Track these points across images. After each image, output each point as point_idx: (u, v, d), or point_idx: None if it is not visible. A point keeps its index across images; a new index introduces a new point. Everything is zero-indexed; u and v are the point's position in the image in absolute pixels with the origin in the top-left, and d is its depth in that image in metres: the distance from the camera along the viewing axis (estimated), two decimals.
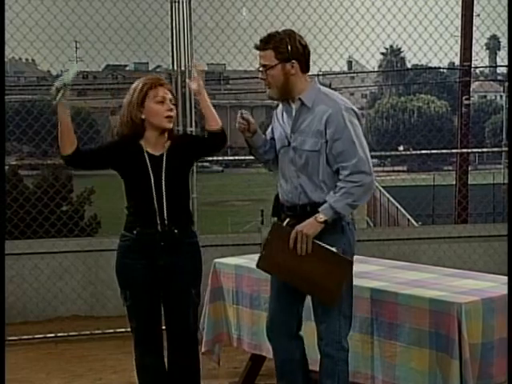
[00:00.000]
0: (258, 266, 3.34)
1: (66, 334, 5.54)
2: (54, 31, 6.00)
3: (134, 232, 3.40)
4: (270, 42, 3.19)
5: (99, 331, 5.62)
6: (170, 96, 3.41)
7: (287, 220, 3.29)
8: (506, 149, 7.30)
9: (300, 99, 3.23)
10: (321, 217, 3.16)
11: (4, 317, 2.91)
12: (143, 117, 3.37)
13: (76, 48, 8.18)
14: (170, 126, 3.41)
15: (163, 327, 3.53)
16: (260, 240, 6.26)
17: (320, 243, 3.17)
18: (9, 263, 5.88)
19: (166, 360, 3.52)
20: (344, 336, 3.29)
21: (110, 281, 6.01)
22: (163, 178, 3.37)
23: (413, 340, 3.28)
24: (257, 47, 3.25)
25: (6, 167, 8.68)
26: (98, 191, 13.19)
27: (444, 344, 3.16)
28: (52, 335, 5.53)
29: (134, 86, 3.42)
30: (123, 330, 5.42)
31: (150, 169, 3.37)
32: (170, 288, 3.44)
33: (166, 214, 3.37)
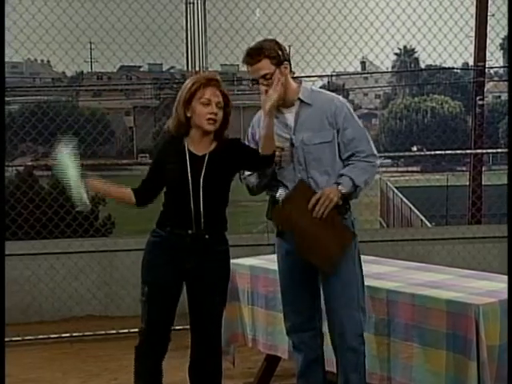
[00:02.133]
0: (270, 217, 3.38)
1: (81, 334, 5.57)
2: (70, 33, 6.04)
3: (166, 230, 3.37)
4: (261, 53, 3.28)
5: (114, 331, 5.64)
6: (218, 99, 3.33)
7: None
8: None
9: (299, 99, 3.34)
10: (341, 188, 3.25)
11: (4, 317, 2.92)
12: (189, 115, 3.35)
13: (91, 49, 8.23)
14: (211, 128, 3.34)
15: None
16: (273, 240, 6.27)
17: (334, 211, 3.24)
18: (25, 263, 5.93)
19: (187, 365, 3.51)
20: (364, 329, 3.35)
21: (125, 281, 6.07)
22: (202, 178, 3.32)
23: (430, 341, 3.27)
24: (248, 62, 3.31)
25: (22, 168, 8.74)
26: None
27: (461, 345, 3.16)
28: (67, 335, 5.56)
29: (186, 82, 3.41)
30: (137, 330, 5.45)
31: (188, 167, 3.32)
32: (195, 293, 3.42)
33: (202, 217, 3.31)
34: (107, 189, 3.45)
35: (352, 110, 3.38)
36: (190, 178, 3.32)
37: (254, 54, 3.29)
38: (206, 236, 3.35)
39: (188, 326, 3.89)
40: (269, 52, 3.27)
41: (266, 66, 3.27)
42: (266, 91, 3.29)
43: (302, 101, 3.35)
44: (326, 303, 3.40)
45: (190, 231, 3.34)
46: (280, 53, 3.30)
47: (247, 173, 3.49)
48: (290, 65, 3.38)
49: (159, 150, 3.52)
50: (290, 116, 3.36)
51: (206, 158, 3.36)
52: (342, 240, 3.28)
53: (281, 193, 3.37)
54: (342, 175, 3.28)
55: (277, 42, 3.36)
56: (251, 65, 3.30)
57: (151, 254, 3.43)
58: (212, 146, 3.39)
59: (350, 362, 3.33)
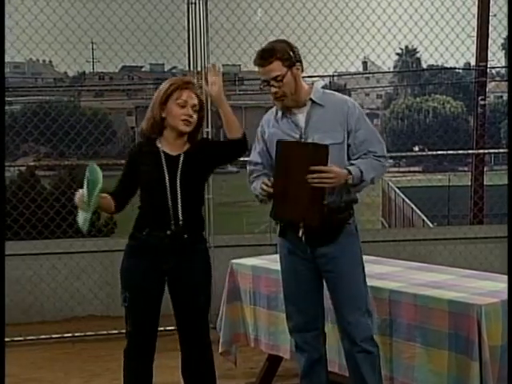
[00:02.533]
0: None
1: (82, 334, 5.58)
2: (72, 33, 6.05)
3: (144, 233, 3.37)
4: (273, 55, 3.27)
5: (116, 331, 5.63)
6: (194, 101, 3.38)
7: (302, 230, 3.31)
8: None
9: (311, 99, 3.33)
10: (349, 178, 3.22)
11: (4, 317, 2.93)
12: (164, 115, 3.39)
13: (93, 49, 8.24)
14: (186, 129, 3.38)
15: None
16: (275, 241, 6.27)
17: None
18: (27, 263, 5.94)
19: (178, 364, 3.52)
20: (374, 333, 3.35)
21: None
22: (178, 178, 3.34)
23: (432, 341, 3.27)
24: (260, 64, 3.30)
25: (24, 168, 8.75)
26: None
27: (463, 346, 3.15)
28: (69, 335, 5.56)
29: (163, 84, 3.44)
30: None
31: (165, 168, 3.35)
32: (178, 294, 3.43)
33: (180, 217, 3.33)
34: (103, 207, 3.42)
35: (363, 112, 3.38)
36: (166, 178, 3.35)
37: (265, 56, 3.28)
38: (185, 236, 3.37)
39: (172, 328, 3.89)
40: (281, 54, 3.26)
41: (277, 67, 3.26)
42: (276, 93, 3.28)
43: (313, 101, 3.33)
44: (334, 308, 3.39)
45: (168, 232, 3.35)
46: (292, 54, 3.29)
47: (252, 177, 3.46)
48: (302, 65, 3.36)
49: (132, 152, 3.51)
50: (301, 116, 3.34)
51: (181, 157, 3.39)
52: (305, 214, 3.22)
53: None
54: (352, 164, 3.25)
55: (289, 44, 3.35)
56: (263, 66, 3.29)
57: (130, 260, 3.42)
58: (186, 147, 3.43)
59: (364, 365, 3.31)
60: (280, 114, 3.39)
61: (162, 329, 3.70)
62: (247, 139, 3.43)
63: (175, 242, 3.35)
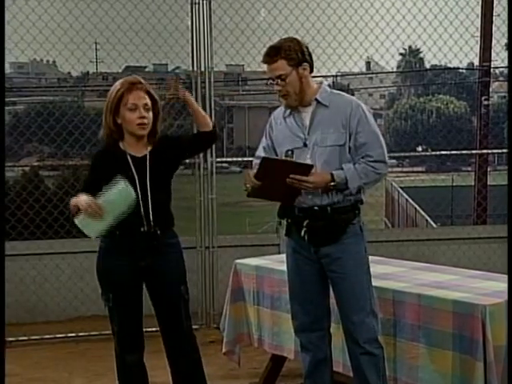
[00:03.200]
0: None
1: (86, 334, 5.58)
2: (76, 33, 6.05)
3: (117, 233, 3.37)
4: (279, 53, 3.27)
5: None
6: (144, 101, 3.37)
7: (304, 229, 3.31)
8: None
9: (316, 99, 3.32)
10: (333, 184, 3.23)
11: (4, 317, 2.93)
12: (119, 122, 3.39)
13: (96, 50, 8.24)
14: (143, 133, 3.40)
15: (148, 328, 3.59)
16: (278, 241, 6.28)
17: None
18: (31, 263, 5.95)
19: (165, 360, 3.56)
20: (379, 334, 3.34)
21: None
22: (148, 178, 3.38)
23: (436, 342, 3.27)
24: (265, 61, 3.31)
25: (27, 168, 8.75)
26: None
27: (468, 346, 3.16)
28: (73, 335, 5.58)
29: (111, 89, 3.42)
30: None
31: (133, 170, 3.38)
32: (157, 288, 3.48)
33: (151, 215, 3.38)
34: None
35: (368, 114, 3.34)
36: (136, 179, 3.37)
37: (271, 54, 3.28)
38: (158, 232, 3.41)
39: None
40: (286, 53, 3.25)
41: (281, 66, 3.26)
42: (280, 91, 3.29)
43: (318, 101, 3.33)
44: (338, 308, 3.39)
45: (142, 229, 3.39)
46: (299, 54, 3.27)
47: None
48: (312, 65, 3.34)
49: (96, 159, 3.51)
50: (306, 116, 3.35)
51: (148, 158, 3.42)
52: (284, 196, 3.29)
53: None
54: (341, 169, 3.25)
55: (298, 42, 3.32)
56: (268, 64, 3.30)
57: (107, 260, 3.46)
58: (149, 146, 3.45)
59: (368, 365, 3.31)
60: (288, 112, 3.40)
61: (154, 329, 3.72)
62: (216, 128, 3.54)
63: (149, 240, 3.41)
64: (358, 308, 3.29)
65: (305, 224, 3.31)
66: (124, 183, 3.24)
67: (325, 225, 3.28)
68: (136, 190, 3.33)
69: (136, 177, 3.37)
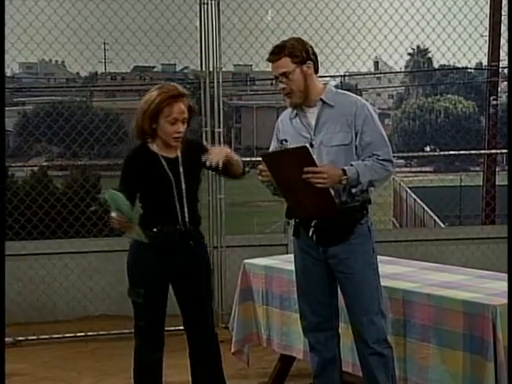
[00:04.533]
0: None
1: (95, 333, 5.59)
2: (85, 33, 6.07)
3: (154, 230, 3.43)
4: (283, 50, 3.28)
5: (128, 330, 5.64)
6: (183, 115, 3.40)
7: (312, 230, 3.31)
8: None
9: (321, 99, 3.33)
10: (343, 178, 3.19)
11: (4, 317, 2.95)
12: (154, 126, 3.42)
13: (105, 50, 8.26)
14: (177, 145, 3.45)
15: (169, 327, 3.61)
16: (286, 241, 6.28)
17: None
18: (40, 263, 5.97)
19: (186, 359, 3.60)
20: (388, 334, 3.34)
21: None
22: (182, 178, 3.44)
23: (446, 342, 3.26)
24: (269, 60, 3.33)
25: (36, 168, 8.79)
26: None
27: (478, 346, 3.15)
28: (82, 334, 5.58)
29: (151, 94, 3.42)
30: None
31: (168, 171, 3.43)
32: (186, 287, 3.52)
33: (187, 214, 3.44)
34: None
35: (374, 113, 3.34)
36: (172, 179, 3.43)
37: (275, 52, 3.30)
38: (191, 231, 3.49)
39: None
40: (290, 51, 3.26)
41: (285, 64, 3.27)
42: (284, 89, 3.30)
43: (323, 101, 3.33)
44: (347, 308, 3.39)
45: (178, 227, 3.45)
46: (303, 52, 3.29)
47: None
48: (316, 64, 3.35)
49: (130, 158, 3.54)
50: (312, 116, 3.35)
51: (180, 159, 3.47)
52: (319, 210, 3.24)
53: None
54: (351, 165, 3.22)
55: (302, 41, 3.34)
56: (272, 62, 3.32)
57: (141, 256, 3.48)
58: (179, 148, 3.49)
59: (376, 365, 3.30)
60: (294, 113, 3.41)
61: (171, 328, 3.73)
62: (245, 171, 3.62)
63: (183, 239, 3.46)
64: (366, 308, 3.29)
65: (313, 224, 3.32)
66: (107, 192, 3.27)
67: (333, 225, 3.28)
68: (172, 191, 3.41)
69: (172, 177, 3.43)
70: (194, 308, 3.55)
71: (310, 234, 3.33)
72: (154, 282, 3.46)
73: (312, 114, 3.35)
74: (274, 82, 3.37)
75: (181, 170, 3.45)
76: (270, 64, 3.34)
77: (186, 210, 3.44)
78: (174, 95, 3.40)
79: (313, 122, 3.34)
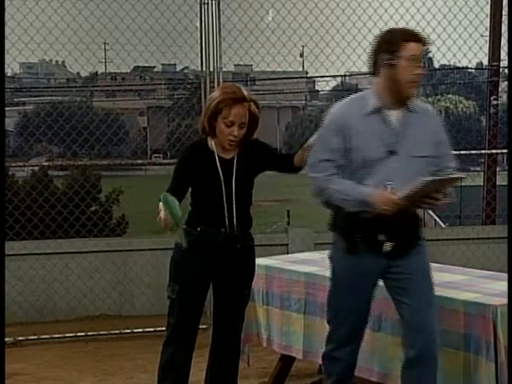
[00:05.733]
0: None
1: (96, 333, 5.59)
2: (85, 33, 6.08)
3: (198, 229, 3.44)
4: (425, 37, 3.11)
5: (128, 330, 5.67)
6: (242, 120, 3.35)
7: (388, 244, 3.09)
8: None
9: (408, 104, 3.10)
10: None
11: (4, 317, 2.94)
12: (214, 124, 3.41)
13: (105, 50, 8.27)
14: (230, 148, 3.42)
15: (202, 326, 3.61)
16: (287, 241, 6.28)
17: None
18: (40, 262, 5.97)
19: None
20: (438, 344, 3.17)
21: (139, 280, 6.10)
22: (233, 180, 3.41)
23: (447, 342, 3.25)
24: (419, 40, 3.06)
25: (37, 168, 8.80)
26: (125, 191, 13.28)
27: (479, 346, 3.15)
28: (82, 334, 5.58)
29: (215, 93, 3.44)
30: (152, 329, 5.49)
31: (220, 171, 3.41)
32: (223, 289, 3.52)
33: (235, 216, 3.41)
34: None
35: None
36: (222, 180, 3.41)
37: (423, 36, 3.08)
38: (237, 234, 3.45)
39: (204, 326, 3.93)
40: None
41: (422, 50, 3.05)
42: (419, 75, 3.05)
43: (408, 107, 3.09)
44: (405, 319, 3.16)
45: (222, 229, 3.43)
46: None
47: (325, 175, 3.12)
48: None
49: (186, 153, 3.55)
50: (395, 119, 3.09)
51: (235, 161, 3.45)
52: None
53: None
54: None
55: None
56: (423, 44, 3.06)
57: (183, 254, 3.47)
58: (238, 149, 3.47)
59: (432, 375, 3.13)
60: (370, 109, 3.08)
61: None
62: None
63: (227, 240, 3.44)
64: (429, 319, 3.12)
65: (384, 237, 3.08)
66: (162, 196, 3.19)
67: (406, 234, 3.13)
68: (221, 191, 3.40)
69: (222, 178, 3.41)
70: (225, 311, 3.54)
71: (387, 248, 3.09)
72: (190, 281, 3.46)
73: (395, 117, 3.07)
74: (417, 64, 3.03)
75: (234, 171, 3.42)
76: (413, 45, 3.02)
77: (234, 212, 3.41)
78: (235, 98, 3.35)
79: (396, 126, 3.06)
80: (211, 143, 3.47)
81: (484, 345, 3.13)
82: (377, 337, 3.53)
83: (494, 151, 8.95)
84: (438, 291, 3.41)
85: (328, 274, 3.35)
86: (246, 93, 3.39)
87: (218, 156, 3.44)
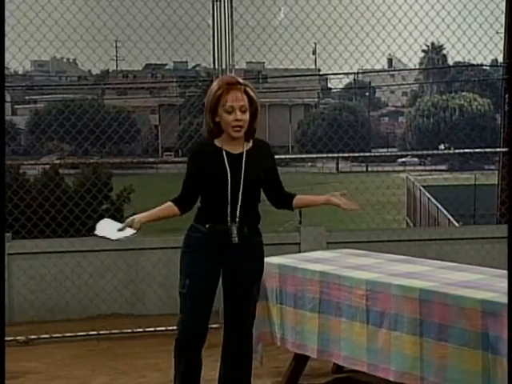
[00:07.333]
0: None
1: (107, 332, 5.58)
2: (97, 31, 6.06)
3: (206, 226, 3.45)
4: None
5: (140, 329, 5.64)
6: (240, 103, 3.36)
7: None
8: None
9: None
10: None
11: (4, 317, 2.93)
12: (217, 120, 3.41)
13: (116, 47, 8.26)
14: (238, 135, 3.40)
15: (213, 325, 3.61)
16: (299, 240, 6.23)
17: None
18: (53, 261, 5.96)
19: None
20: None
21: (151, 279, 6.08)
22: (242, 175, 3.40)
23: (464, 341, 3.22)
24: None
25: (48, 166, 8.79)
26: (136, 190, 13.28)
27: (498, 346, 3.11)
28: (94, 333, 5.57)
29: (211, 87, 3.45)
30: (163, 328, 5.47)
31: (227, 166, 3.39)
32: (231, 286, 3.51)
33: (238, 212, 3.41)
34: (151, 216, 3.50)
35: None
36: (229, 175, 3.39)
37: None
38: (245, 230, 3.45)
39: (215, 326, 3.89)
40: None
41: None
42: None
43: None
44: None
45: (229, 225, 3.43)
46: None
47: None
48: None
49: (195, 153, 3.53)
50: None
51: (244, 156, 3.43)
52: None
53: None
54: None
55: None
56: None
57: (193, 249, 3.49)
58: (247, 145, 3.46)
59: None
60: None
61: None
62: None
63: (236, 236, 3.44)
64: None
65: None
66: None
67: None
68: (227, 187, 3.38)
69: (229, 173, 3.40)
70: (233, 308, 3.54)
71: None
72: (199, 277, 3.46)
73: None
74: None
75: (243, 166, 3.40)
76: None
77: (238, 208, 3.40)
78: (229, 82, 3.39)
79: None
80: (218, 141, 3.45)
81: (502, 344, 3.08)
82: (393, 336, 3.49)
83: (508, 149, 8.85)
84: (456, 290, 3.37)
85: (343, 272, 3.31)
86: (239, 78, 3.45)
87: (226, 151, 3.43)
